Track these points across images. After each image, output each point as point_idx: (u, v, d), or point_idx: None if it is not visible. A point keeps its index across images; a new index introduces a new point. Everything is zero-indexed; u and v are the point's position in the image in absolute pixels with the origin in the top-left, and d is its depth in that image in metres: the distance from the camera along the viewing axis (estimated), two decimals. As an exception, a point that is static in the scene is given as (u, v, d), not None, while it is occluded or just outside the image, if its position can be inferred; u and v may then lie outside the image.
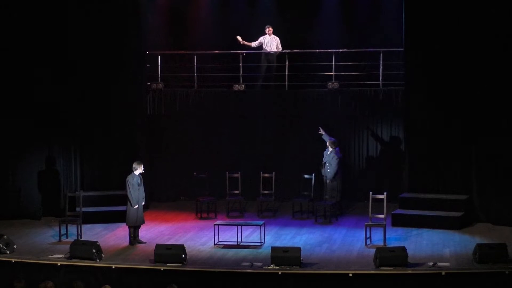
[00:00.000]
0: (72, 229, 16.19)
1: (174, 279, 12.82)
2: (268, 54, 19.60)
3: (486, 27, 16.59)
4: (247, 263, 13.93)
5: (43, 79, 17.97)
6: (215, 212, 18.27)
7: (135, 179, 15.57)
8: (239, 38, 19.37)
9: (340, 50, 19.03)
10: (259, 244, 15.29)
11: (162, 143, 20.25)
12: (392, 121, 19.31)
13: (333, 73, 18.98)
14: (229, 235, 15.75)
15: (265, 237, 15.57)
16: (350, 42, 19.34)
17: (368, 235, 15.35)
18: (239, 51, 19.51)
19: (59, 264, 14.02)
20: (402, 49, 17.85)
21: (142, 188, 15.70)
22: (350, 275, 13.17)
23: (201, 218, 18.15)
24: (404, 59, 17.87)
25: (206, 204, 18.35)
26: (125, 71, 18.50)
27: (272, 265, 13.63)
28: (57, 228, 16.32)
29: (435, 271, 13.22)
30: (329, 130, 18.76)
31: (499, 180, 16.65)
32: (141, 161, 15.91)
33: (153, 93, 19.70)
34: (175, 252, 13.97)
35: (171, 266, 13.75)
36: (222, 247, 15.24)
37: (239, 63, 19.47)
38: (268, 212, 18.34)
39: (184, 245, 14.33)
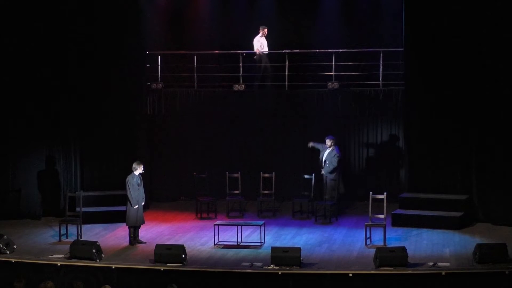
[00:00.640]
0: (72, 229, 16.19)
1: (174, 279, 12.83)
2: (266, 54, 19.60)
3: (486, 27, 16.59)
4: (247, 263, 13.93)
5: (43, 79, 17.97)
6: (215, 212, 18.27)
7: (135, 179, 15.58)
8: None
9: (340, 50, 19.03)
10: (259, 244, 15.29)
11: (162, 143, 20.25)
12: (392, 121, 19.30)
13: (333, 73, 18.97)
14: (229, 235, 15.75)
15: (265, 237, 15.57)
16: (350, 42, 19.33)
17: (368, 235, 15.35)
18: (239, 51, 19.50)
19: (59, 264, 14.02)
20: (402, 49, 17.84)
21: (142, 188, 15.70)
22: (350, 275, 13.17)
23: (201, 218, 18.15)
24: (404, 59, 17.87)
25: (206, 204, 18.35)
26: (125, 71, 18.50)
27: (272, 265, 13.63)
28: (57, 228, 16.33)
29: (435, 271, 13.22)
30: (329, 130, 18.77)
31: (499, 180, 16.65)
32: (141, 161, 15.91)
33: (153, 93, 19.70)
34: (175, 252, 13.97)
35: (171, 266, 13.75)
36: (222, 247, 15.24)
37: (239, 63, 19.46)
38: (268, 212, 18.34)
39: (184, 245, 14.34)
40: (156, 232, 16.78)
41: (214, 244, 15.38)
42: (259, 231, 15.53)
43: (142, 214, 15.79)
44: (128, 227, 15.66)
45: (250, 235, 16.05)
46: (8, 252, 14.72)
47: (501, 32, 16.47)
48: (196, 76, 19.72)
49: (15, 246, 14.98)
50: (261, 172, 18.57)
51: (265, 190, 18.50)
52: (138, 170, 15.63)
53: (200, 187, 18.55)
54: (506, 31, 16.42)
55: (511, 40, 16.41)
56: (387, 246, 14.78)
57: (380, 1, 19.60)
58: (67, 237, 16.02)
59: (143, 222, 15.86)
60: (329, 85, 18.97)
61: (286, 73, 19.34)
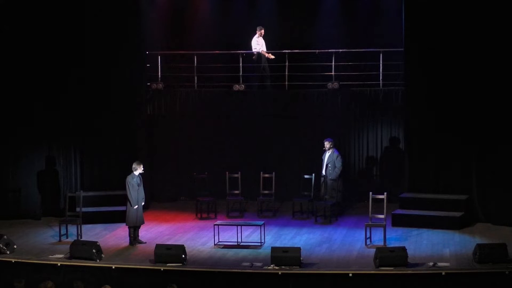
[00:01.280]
0: (72, 229, 16.19)
1: (174, 279, 12.84)
2: (264, 54, 19.61)
3: (486, 26, 16.58)
4: (247, 263, 13.93)
5: (43, 79, 17.98)
6: (215, 212, 18.27)
7: (134, 179, 15.57)
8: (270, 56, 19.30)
9: (340, 50, 19.03)
10: (259, 244, 15.29)
11: (162, 143, 20.25)
12: (392, 121, 19.30)
13: (333, 73, 18.98)
14: (229, 235, 15.75)
15: (265, 237, 15.57)
16: (350, 42, 19.34)
17: (368, 235, 15.34)
18: (239, 51, 19.51)
19: (59, 264, 14.02)
20: (402, 49, 17.84)
21: (142, 188, 15.70)
22: (350, 275, 13.17)
23: (201, 218, 18.15)
24: (404, 59, 17.86)
25: (206, 204, 18.35)
26: (125, 71, 18.50)
27: (272, 265, 13.63)
28: (57, 228, 16.33)
29: (435, 271, 13.22)
30: (329, 130, 18.78)
31: (499, 180, 16.64)
32: (141, 161, 15.91)
33: (153, 93, 19.71)
34: (175, 252, 13.97)
35: (171, 266, 13.75)
36: (222, 247, 15.24)
37: (239, 63, 19.47)
38: (268, 212, 18.34)
39: (184, 245, 14.34)
40: (156, 232, 16.78)
41: (214, 244, 15.38)
42: (259, 231, 15.52)
43: (142, 214, 15.79)
44: (128, 227, 15.66)
45: (250, 235, 16.05)
46: (8, 252, 14.72)
47: (502, 31, 16.46)
48: (196, 76, 19.73)
49: (15, 246, 14.98)
50: (261, 172, 18.57)
51: (265, 190, 18.49)
52: (138, 170, 15.63)
53: (200, 187, 18.55)
54: (506, 31, 16.41)
55: (510, 39, 16.41)
56: (387, 246, 14.77)
57: (380, 1, 19.61)
58: (67, 237, 16.02)
59: (143, 222, 15.86)
60: (329, 85, 18.98)
61: (286, 73, 19.35)
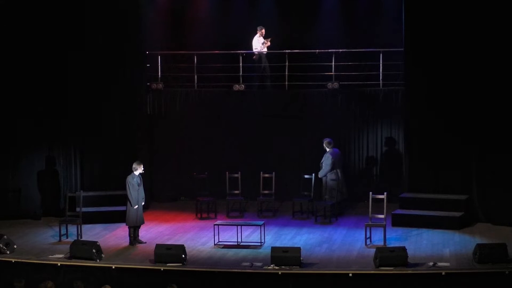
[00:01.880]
0: (72, 229, 16.19)
1: (174, 279, 12.84)
2: (265, 54, 19.60)
3: (486, 26, 16.58)
4: (247, 263, 13.93)
5: (43, 79, 17.98)
6: (215, 212, 18.27)
7: (135, 179, 15.58)
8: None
9: (340, 50, 19.04)
10: (259, 244, 15.29)
11: (162, 143, 20.24)
12: (392, 121, 19.30)
13: (333, 73, 18.99)
14: (229, 235, 15.75)
15: (265, 237, 15.57)
16: (350, 42, 19.35)
17: (368, 235, 15.35)
18: (239, 51, 19.52)
19: (59, 264, 14.02)
20: (402, 49, 17.84)
21: (142, 188, 15.70)
22: (350, 275, 13.17)
23: (201, 218, 18.15)
24: (404, 59, 17.87)
25: (206, 204, 18.35)
26: (125, 71, 18.52)
27: (272, 265, 13.63)
28: (57, 228, 16.33)
29: (435, 271, 13.22)
30: (329, 130, 18.79)
31: (499, 180, 16.64)
32: (141, 161, 15.91)
33: (153, 93, 19.71)
34: (175, 252, 13.97)
35: (171, 266, 13.75)
36: (222, 247, 15.24)
37: (239, 63, 19.47)
38: (268, 212, 18.34)
39: (184, 245, 14.33)
40: (156, 232, 16.78)
41: (214, 244, 15.39)
42: (259, 231, 15.53)
43: (142, 214, 15.79)
44: (128, 227, 15.66)
45: (250, 235, 16.05)
46: (8, 252, 14.72)
47: (502, 31, 16.46)
48: (196, 76, 19.73)
49: (15, 246, 14.98)
50: (261, 172, 18.57)
51: (265, 190, 18.49)
52: (138, 170, 15.63)
53: (200, 187, 18.55)
54: (506, 31, 16.41)
55: (510, 39, 16.41)
56: (387, 246, 14.77)
57: (380, 1, 19.62)
58: (67, 237, 16.02)
59: (143, 222, 15.86)
60: (329, 85, 18.98)
61: (286, 73, 19.35)
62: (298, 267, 13.55)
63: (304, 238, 16.00)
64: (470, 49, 16.79)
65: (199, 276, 13.53)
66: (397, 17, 18.29)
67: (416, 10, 17.42)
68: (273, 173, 18.48)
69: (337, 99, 19.10)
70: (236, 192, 18.45)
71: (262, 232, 15.42)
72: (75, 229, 16.14)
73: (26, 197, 18.11)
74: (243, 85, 19.48)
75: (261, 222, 15.76)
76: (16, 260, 14.31)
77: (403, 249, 13.66)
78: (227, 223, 16.46)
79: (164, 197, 20.13)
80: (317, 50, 19.13)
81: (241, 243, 15.32)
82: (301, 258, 13.67)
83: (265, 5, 20.27)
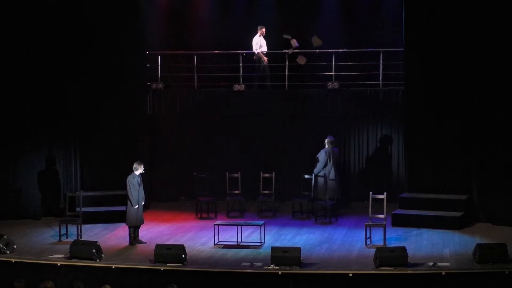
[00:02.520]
0: (72, 229, 16.19)
1: (174, 279, 12.83)
2: (265, 54, 19.60)
3: (486, 26, 16.59)
4: (247, 263, 13.93)
5: (43, 79, 17.98)
6: (215, 212, 18.27)
7: (135, 179, 15.58)
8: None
9: (340, 50, 19.04)
10: (259, 244, 15.29)
11: (162, 143, 20.25)
12: (392, 121, 19.30)
13: (333, 73, 18.98)
14: (229, 235, 15.75)
15: (265, 237, 15.57)
16: (350, 42, 19.34)
17: (368, 235, 15.35)
18: (239, 51, 19.52)
19: (59, 264, 14.02)
20: (402, 49, 17.84)
21: (142, 188, 15.70)
22: (350, 275, 13.17)
23: (201, 218, 18.15)
24: (404, 59, 17.87)
25: (206, 204, 18.35)
26: (125, 71, 18.50)
27: (272, 265, 13.63)
28: (57, 228, 16.33)
29: (435, 271, 13.22)
30: (329, 130, 18.79)
31: (499, 180, 16.65)
32: (141, 161, 15.91)
33: (153, 93, 19.71)
34: (175, 252, 13.97)
35: (171, 266, 13.75)
36: (222, 247, 15.24)
37: (239, 63, 19.47)
38: (268, 212, 18.34)
39: (184, 245, 14.34)
40: (156, 232, 16.78)
41: (214, 244, 15.38)
42: (259, 231, 15.53)
43: (142, 214, 15.80)
44: (128, 227, 15.66)
45: (250, 235, 16.05)
46: (8, 252, 14.72)
47: (501, 31, 16.46)
48: (196, 76, 19.73)
49: (15, 246, 14.98)
50: (261, 172, 18.57)
51: (265, 190, 18.50)
52: (139, 170, 15.63)
53: (200, 187, 18.55)
54: (506, 31, 16.41)
55: (510, 38, 16.41)
56: (387, 246, 14.77)
57: (380, 1, 19.61)
58: (67, 237, 16.02)
59: (143, 222, 15.86)
60: (329, 85, 18.98)
61: (286, 73, 19.35)
62: (298, 267, 13.55)
63: (304, 238, 16.00)
64: (470, 49, 16.79)
65: (199, 276, 13.53)
66: (397, 17, 18.27)
67: (416, 10, 17.41)
68: (273, 173, 18.48)
69: (337, 99, 19.09)
70: (236, 192, 18.45)
71: (262, 232, 15.42)
72: (75, 229, 16.14)
73: (26, 197, 18.11)
74: (243, 85, 19.48)
75: (261, 222, 15.76)
76: (16, 260, 14.31)
77: (403, 249, 13.66)
78: (227, 223, 16.46)
79: (164, 197, 20.13)
80: (317, 50, 19.12)
81: (241, 243, 15.32)
82: (301, 258, 13.67)
83: (265, 5, 20.26)
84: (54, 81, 18.06)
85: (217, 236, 15.48)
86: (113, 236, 16.41)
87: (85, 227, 16.56)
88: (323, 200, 17.71)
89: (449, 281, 13.02)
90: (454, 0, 17.00)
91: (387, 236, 15.27)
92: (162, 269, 13.64)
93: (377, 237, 15.41)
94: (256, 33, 19.54)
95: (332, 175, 17.87)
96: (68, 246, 14.66)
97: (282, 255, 13.67)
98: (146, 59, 19.52)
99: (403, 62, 17.91)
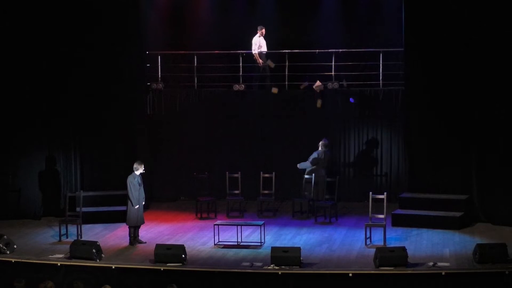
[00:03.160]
0: (72, 229, 16.19)
1: (174, 279, 12.82)
2: (265, 54, 19.61)
3: (486, 26, 16.58)
4: (247, 263, 13.93)
5: (43, 78, 17.98)
6: (215, 212, 18.27)
7: (136, 179, 15.58)
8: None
9: (340, 50, 19.04)
10: (259, 244, 15.29)
11: (162, 143, 20.24)
12: (392, 121, 19.29)
13: (333, 73, 18.99)
14: (229, 235, 15.75)
15: (265, 237, 15.57)
16: (350, 42, 19.35)
17: (368, 235, 15.35)
18: (239, 51, 19.52)
19: (59, 264, 14.02)
20: (402, 49, 17.84)
21: (142, 188, 15.70)
22: (350, 275, 13.17)
23: (201, 218, 18.15)
24: (404, 59, 17.87)
25: (206, 204, 18.35)
26: (125, 71, 18.50)
27: (272, 265, 13.63)
28: (57, 228, 16.33)
29: (435, 271, 13.22)
30: (329, 130, 18.80)
31: (499, 180, 16.64)
32: (142, 161, 15.91)
33: (153, 93, 19.72)
34: (175, 252, 13.97)
35: (171, 266, 13.75)
36: (222, 247, 15.24)
37: (239, 63, 19.48)
38: (268, 212, 18.34)
39: (184, 245, 14.34)
40: (156, 232, 16.78)
41: (214, 244, 15.39)
42: (259, 231, 15.52)
43: (143, 214, 15.80)
44: (129, 227, 15.66)
45: (250, 235, 16.05)
46: (8, 252, 14.72)
47: (501, 31, 16.46)
48: (196, 76, 19.73)
49: (15, 246, 14.98)
50: (261, 172, 18.56)
51: (265, 190, 18.49)
52: (139, 170, 15.63)
53: (200, 187, 18.55)
54: (506, 31, 16.41)
55: (510, 38, 16.41)
56: (387, 246, 14.78)
57: (380, 1, 19.62)
58: (67, 237, 16.02)
59: (143, 222, 15.87)
60: (329, 85, 18.98)
61: (286, 73, 19.35)
62: (298, 267, 13.55)
63: (304, 238, 16.00)
64: (470, 49, 16.79)
65: (199, 276, 13.53)
66: (397, 17, 18.28)
67: (416, 10, 17.41)
68: (273, 173, 18.48)
69: (337, 99, 19.09)
70: (236, 192, 18.45)
71: (262, 232, 15.42)
72: (75, 229, 16.13)
73: (26, 197, 18.10)
74: (243, 85, 19.49)
75: (261, 222, 15.75)
76: (16, 260, 14.31)
77: (403, 249, 13.66)
78: (227, 223, 16.45)
79: (164, 197, 20.13)
80: (317, 50, 19.13)
81: (241, 243, 15.32)
82: (301, 258, 13.67)
83: (265, 5, 20.27)
84: (54, 81, 18.05)
85: (217, 236, 15.48)
86: (113, 236, 16.41)
87: (85, 227, 16.56)
88: (307, 198, 17.71)
89: (449, 281, 13.02)
90: (454, 0, 16.99)
91: (387, 236, 15.27)
92: (162, 269, 13.64)
93: (377, 237, 15.41)
94: (256, 33, 19.54)
95: (320, 176, 17.86)
96: (68, 246, 14.66)
97: (282, 255, 13.67)
98: (146, 59, 19.53)
99: (403, 62, 17.92)
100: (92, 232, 16.59)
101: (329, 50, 19.02)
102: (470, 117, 16.91)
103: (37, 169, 18.21)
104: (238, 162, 19.47)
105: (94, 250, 14.16)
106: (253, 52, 19.43)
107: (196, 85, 19.80)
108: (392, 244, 14.98)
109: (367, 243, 15.27)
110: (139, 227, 15.78)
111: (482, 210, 16.95)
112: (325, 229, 16.84)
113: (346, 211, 18.45)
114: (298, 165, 18.12)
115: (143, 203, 15.83)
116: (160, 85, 19.71)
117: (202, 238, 16.01)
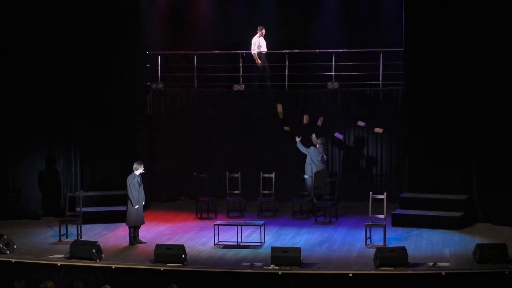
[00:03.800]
0: (72, 229, 16.19)
1: (174, 279, 12.83)
2: (265, 54, 19.62)
3: (486, 26, 16.58)
4: (247, 263, 13.93)
5: (43, 79, 17.98)
6: (215, 212, 18.27)
7: (135, 179, 15.58)
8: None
9: (340, 50, 19.04)
10: (259, 244, 15.29)
11: (162, 143, 20.24)
12: (392, 121, 19.29)
13: (333, 73, 18.99)
14: (229, 235, 15.75)
15: (265, 237, 15.57)
16: (350, 42, 19.35)
17: (368, 235, 15.35)
18: (239, 51, 19.52)
19: (59, 264, 14.02)
20: (402, 49, 17.84)
21: (142, 188, 15.70)
22: (350, 275, 13.17)
23: (201, 218, 18.15)
24: (404, 59, 17.87)
25: (206, 204, 18.35)
26: (125, 71, 18.50)
27: (272, 265, 13.63)
28: (57, 228, 16.33)
29: (435, 271, 13.22)
30: (329, 130, 18.80)
31: (499, 180, 16.64)
32: (141, 161, 15.91)
33: (153, 93, 19.72)
34: (175, 252, 13.97)
35: (171, 266, 13.75)
36: (222, 247, 15.24)
37: (239, 63, 19.48)
38: (268, 212, 18.34)
39: (184, 245, 14.34)
40: (156, 232, 16.78)
41: (214, 244, 15.39)
42: (259, 231, 15.53)
43: (143, 214, 15.80)
44: (129, 227, 15.66)
45: (250, 235, 16.05)
46: (8, 252, 14.72)
47: (501, 31, 16.46)
48: (196, 76, 19.73)
49: (15, 246, 14.98)
50: (261, 172, 18.56)
51: (265, 190, 18.49)
52: (139, 170, 15.63)
53: (200, 187, 18.54)
54: (506, 30, 16.41)
55: (510, 38, 16.41)
56: (387, 246, 14.78)
57: (380, 1, 19.62)
58: (67, 237, 16.02)
59: (143, 222, 15.87)
60: (329, 85, 18.99)
61: (286, 73, 19.35)
62: (298, 267, 13.55)
63: (304, 238, 16.00)
64: (470, 49, 16.78)
65: (199, 276, 13.53)
66: (397, 17, 18.28)
67: (416, 10, 17.41)
68: (273, 173, 18.48)
69: (337, 99, 19.09)
70: (236, 192, 18.45)
71: (262, 232, 15.42)
72: (75, 229, 16.14)
73: (26, 197, 18.11)
74: (243, 85, 19.49)
75: (261, 222, 15.76)
76: (16, 260, 14.31)
77: (403, 249, 13.66)
78: (227, 223, 16.46)
79: (164, 197, 20.13)
80: (317, 50, 19.13)
81: (241, 243, 15.32)
82: (301, 258, 13.67)
83: (265, 5, 20.26)
84: (54, 81, 18.05)
85: (217, 236, 15.48)
86: (113, 236, 16.41)
87: (85, 227, 16.56)
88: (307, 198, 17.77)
89: (449, 281, 13.02)
90: (454, 0, 16.99)
91: (387, 236, 15.27)
92: (162, 269, 13.64)
93: (377, 237, 15.41)
94: (255, 33, 19.54)
95: (320, 176, 17.89)
96: (68, 246, 14.66)
97: (282, 255, 13.67)
98: (146, 59, 19.52)
99: (403, 62, 17.91)
100: (92, 232, 16.59)
101: (329, 50, 19.01)
102: (470, 117, 16.91)
103: (37, 169, 18.22)
104: (238, 162, 19.47)
105: (94, 250, 14.16)
106: (252, 52, 19.44)
107: (196, 85, 19.79)
108: (392, 244, 14.98)
109: (367, 243, 15.27)
110: (139, 227, 15.78)
111: (482, 210, 16.95)
112: (325, 229, 16.84)
113: (346, 211, 18.47)
114: (298, 142, 18.24)
115: (143, 203, 15.83)
116: (160, 85, 19.71)
117: (202, 238, 16.01)
